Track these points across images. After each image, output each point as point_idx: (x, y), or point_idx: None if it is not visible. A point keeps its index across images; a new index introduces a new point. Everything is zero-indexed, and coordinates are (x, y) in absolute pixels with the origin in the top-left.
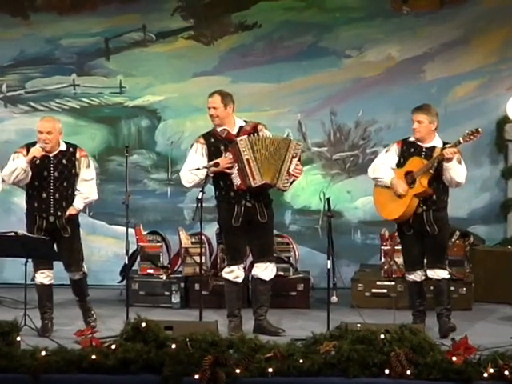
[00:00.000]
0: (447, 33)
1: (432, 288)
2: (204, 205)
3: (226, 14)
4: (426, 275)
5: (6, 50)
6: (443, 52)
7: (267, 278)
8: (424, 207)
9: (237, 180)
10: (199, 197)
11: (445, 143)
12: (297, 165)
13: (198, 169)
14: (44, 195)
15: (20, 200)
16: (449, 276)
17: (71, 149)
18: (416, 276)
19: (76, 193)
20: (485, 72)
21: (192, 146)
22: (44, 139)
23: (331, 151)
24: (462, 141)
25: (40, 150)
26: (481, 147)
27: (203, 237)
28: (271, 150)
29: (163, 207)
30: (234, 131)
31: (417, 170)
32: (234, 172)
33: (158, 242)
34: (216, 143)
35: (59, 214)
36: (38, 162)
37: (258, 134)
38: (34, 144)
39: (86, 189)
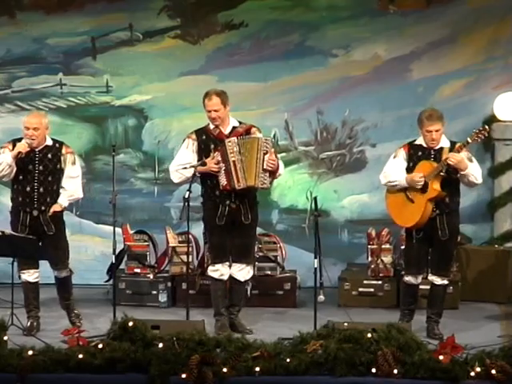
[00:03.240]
0: (434, 32)
1: (429, 288)
2: (191, 204)
3: (213, 14)
4: (423, 278)
5: None
6: (430, 51)
7: (242, 279)
8: (437, 211)
9: (223, 180)
10: (186, 196)
11: (452, 142)
12: (269, 158)
13: (185, 168)
14: (28, 189)
15: (6, 199)
16: (447, 282)
17: (57, 145)
18: (414, 279)
19: (61, 190)
20: (472, 71)
21: (184, 140)
22: (31, 135)
23: (318, 150)
24: (470, 140)
25: (26, 146)
26: (468, 146)
27: (190, 236)
28: (252, 152)
29: (150, 206)
30: (227, 131)
31: (427, 174)
32: (221, 172)
33: (145, 241)
34: (207, 141)
35: (43, 208)
36: (23, 155)
37: (247, 136)
38: (20, 140)
39: (72, 186)
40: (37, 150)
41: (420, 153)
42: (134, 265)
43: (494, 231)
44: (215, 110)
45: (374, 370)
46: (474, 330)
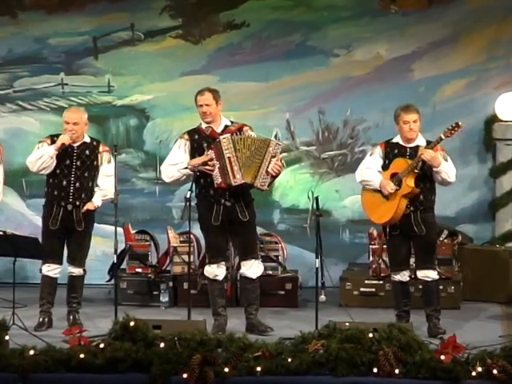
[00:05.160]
0: (435, 32)
1: (421, 288)
2: (192, 204)
3: (215, 13)
4: (411, 275)
5: None
6: (431, 51)
7: (254, 276)
8: (411, 208)
9: (217, 178)
10: (188, 196)
11: (428, 142)
12: (275, 163)
13: (186, 168)
14: (64, 183)
15: (8, 199)
16: (438, 276)
17: (95, 142)
18: (402, 276)
19: (96, 189)
20: (473, 71)
21: (176, 141)
22: (70, 130)
23: (319, 150)
24: (443, 137)
25: (69, 138)
26: (469, 146)
27: (192, 236)
28: (252, 149)
29: (152, 206)
30: (219, 129)
31: (401, 171)
32: (216, 170)
33: (147, 241)
34: (199, 140)
35: (77, 203)
36: (61, 150)
37: (241, 134)
38: (58, 135)
39: (106, 185)
40: (75, 145)
41: (396, 150)
42: (136, 265)
43: (495, 231)
44: (206, 105)
45: (375, 370)
46: (475, 329)
